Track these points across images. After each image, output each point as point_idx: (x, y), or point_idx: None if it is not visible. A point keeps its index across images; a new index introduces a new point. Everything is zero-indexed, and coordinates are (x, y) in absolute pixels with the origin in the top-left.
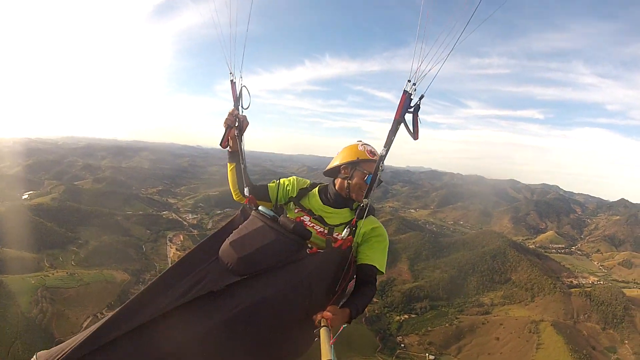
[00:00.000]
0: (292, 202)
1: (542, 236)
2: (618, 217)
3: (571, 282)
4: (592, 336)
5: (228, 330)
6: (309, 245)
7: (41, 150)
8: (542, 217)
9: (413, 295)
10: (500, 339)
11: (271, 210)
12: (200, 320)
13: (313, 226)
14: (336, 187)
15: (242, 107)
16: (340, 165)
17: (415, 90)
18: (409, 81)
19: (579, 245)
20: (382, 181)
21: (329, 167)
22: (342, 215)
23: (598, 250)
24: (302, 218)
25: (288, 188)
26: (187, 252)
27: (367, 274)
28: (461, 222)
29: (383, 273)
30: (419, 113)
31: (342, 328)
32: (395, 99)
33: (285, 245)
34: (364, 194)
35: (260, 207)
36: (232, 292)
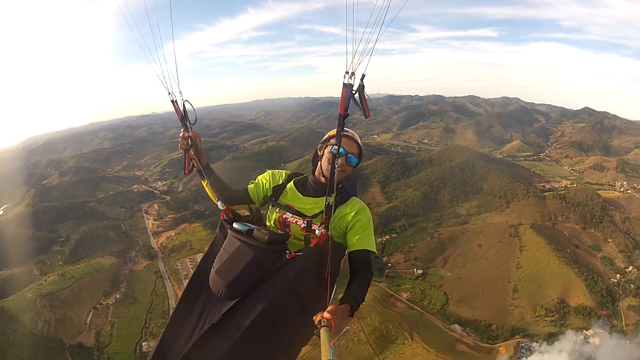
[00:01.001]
0: (269, 203)
1: (508, 146)
2: (583, 124)
3: (543, 186)
4: (574, 236)
5: (235, 356)
6: (288, 249)
7: (5, 160)
8: (506, 128)
9: (390, 216)
10: (483, 246)
11: (248, 218)
12: (210, 354)
13: (296, 222)
14: (315, 174)
15: (189, 124)
16: (317, 148)
17: (354, 77)
18: (347, 73)
19: (547, 152)
20: (357, 161)
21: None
22: (320, 204)
23: (567, 156)
24: (284, 216)
25: (266, 186)
26: (183, 290)
27: (360, 259)
28: (425, 141)
29: (375, 253)
30: (364, 91)
31: (345, 330)
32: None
33: (264, 258)
34: (330, 174)
35: (234, 224)
36: (230, 319)
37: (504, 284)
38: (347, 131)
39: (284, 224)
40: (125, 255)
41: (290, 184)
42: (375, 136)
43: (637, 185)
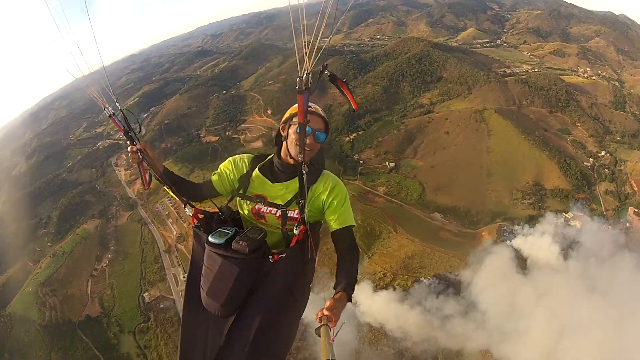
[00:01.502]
0: (239, 198)
1: (463, 34)
2: (539, 11)
3: (504, 71)
4: (541, 119)
5: None
6: (270, 251)
7: None
8: (459, 17)
9: (353, 114)
10: (450, 133)
11: (220, 218)
12: None
13: (270, 211)
14: (281, 156)
15: (135, 135)
16: (279, 128)
17: (309, 78)
18: (300, 78)
19: (504, 38)
20: (326, 136)
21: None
22: (291, 188)
23: (525, 42)
24: (256, 207)
25: (230, 177)
26: (181, 321)
27: (343, 238)
28: (378, 37)
29: (355, 225)
30: (340, 80)
31: (341, 324)
32: None
33: (250, 269)
34: (301, 153)
35: (210, 238)
36: (235, 336)
37: (477, 169)
38: (310, 106)
39: (257, 214)
40: (107, 213)
41: (256, 172)
42: (326, 39)
43: (602, 73)
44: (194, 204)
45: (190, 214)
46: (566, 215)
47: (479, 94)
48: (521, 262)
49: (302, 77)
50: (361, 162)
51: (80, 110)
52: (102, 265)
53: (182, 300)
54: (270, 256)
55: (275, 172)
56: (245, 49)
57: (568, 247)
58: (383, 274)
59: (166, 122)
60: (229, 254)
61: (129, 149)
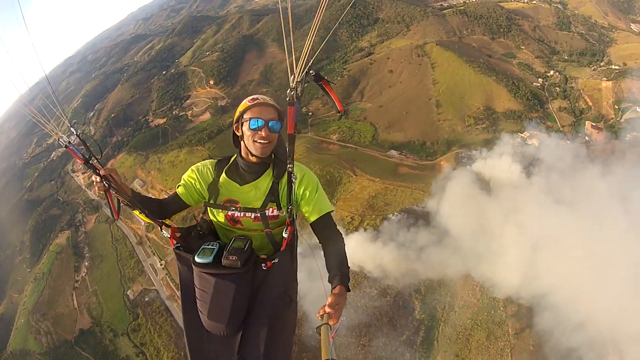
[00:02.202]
0: (210, 207)
1: None
2: None
3: (441, 5)
4: (484, 46)
5: None
6: (262, 260)
7: None
8: None
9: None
10: (394, 71)
11: (198, 232)
12: None
13: (244, 215)
14: (242, 156)
15: (98, 162)
16: (233, 129)
17: (299, 87)
18: (291, 89)
19: None
20: (281, 125)
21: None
22: (263, 187)
23: None
24: (229, 213)
25: (197, 187)
26: (187, 349)
27: (324, 226)
28: None
29: (333, 210)
30: (325, 80)
31: (340, 321)
32: None
33: (245, 282)
34: (262, 148)
35: (196, 258)
36: (246, 354)
37: (425, 102)
38: (257, 98)
39: (232, 220)
40: (74, 221)
41: (224, 177)
42: (257, 1)
43: None
44: (169, 223)
45: (168, 235)
46: (522, 135)
47: (417, 29)
48: (484, 185)
49: (293, 88)
50: (310, 113)
51: (29, 127)
52: (82, 274)
53: (184, 333)
54: (262, 263)
55: (242, 173)
56: (178, 25)
57: (529, 165)
58: (351, 218)
59: (112, 115)
60: (220, 271)
61: (93, 178)
